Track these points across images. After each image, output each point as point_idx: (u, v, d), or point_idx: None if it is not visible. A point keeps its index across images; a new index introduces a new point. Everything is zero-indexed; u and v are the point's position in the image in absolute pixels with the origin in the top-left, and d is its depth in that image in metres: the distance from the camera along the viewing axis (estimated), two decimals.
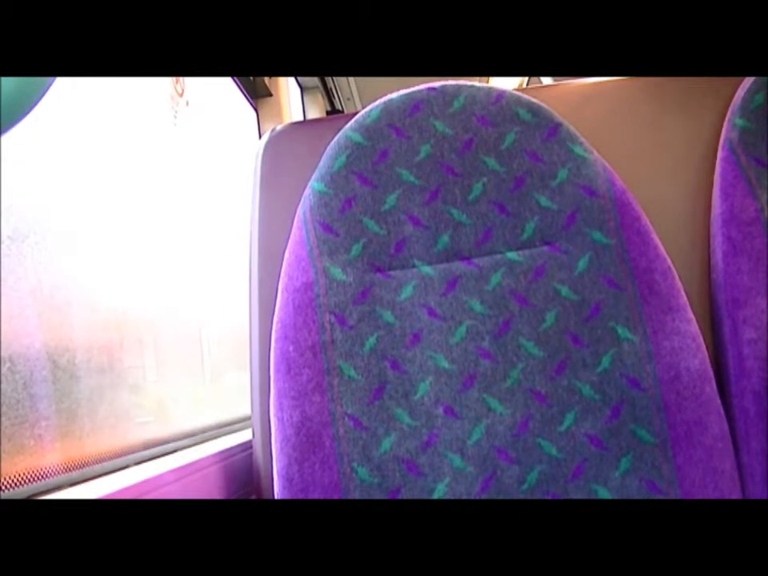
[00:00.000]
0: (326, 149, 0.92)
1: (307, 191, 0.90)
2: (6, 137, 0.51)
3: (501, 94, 0.91)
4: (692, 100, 0.98)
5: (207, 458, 0.92)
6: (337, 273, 0.86)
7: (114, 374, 0.91)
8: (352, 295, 0.85)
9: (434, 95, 0.91)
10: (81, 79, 0.90)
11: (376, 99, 0.94)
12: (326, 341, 0.84)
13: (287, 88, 1.93)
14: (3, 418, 0.68)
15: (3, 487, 0.67)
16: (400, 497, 0.80)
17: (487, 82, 0.97)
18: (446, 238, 0.87)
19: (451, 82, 0.93)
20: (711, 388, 0.82)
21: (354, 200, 0.88)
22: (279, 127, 1.07)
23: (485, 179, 0.88)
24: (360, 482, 0.81)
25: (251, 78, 1.77)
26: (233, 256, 1.42)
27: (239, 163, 1.62)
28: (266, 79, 1.81)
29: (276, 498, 0.83)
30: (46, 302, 0.81)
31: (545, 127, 0.89)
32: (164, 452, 0.99)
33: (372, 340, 0.84)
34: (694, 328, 0.83)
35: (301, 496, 0.81)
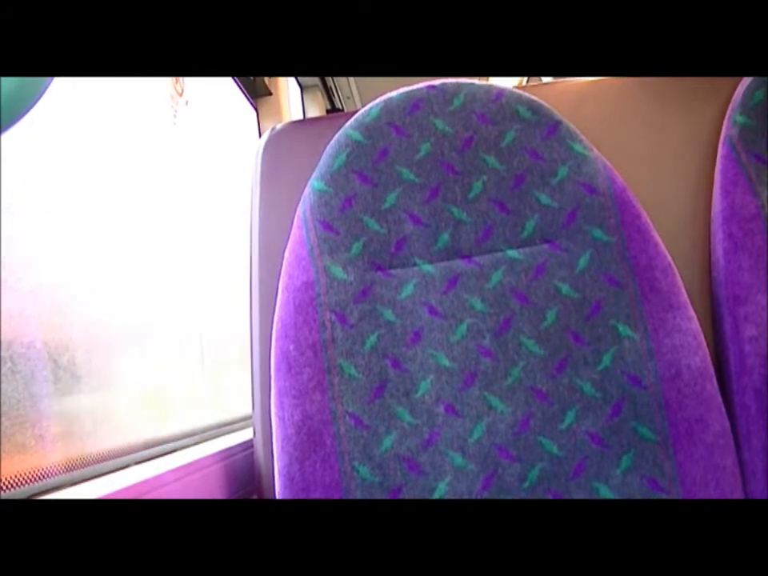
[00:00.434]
0: (325, 147, 0.92)
1: (307, 190, 0.90)
2: (5, 136, 0.51)
3: (501, 92, 0.91)
4: (692, 97, 0.98)
5: (208, 457, 0.92)
6: (337, 271, 0.86)
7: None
8: (353, 294, 0.85)
9: (433, 93, 0.91)
10: (80, 79, 0.90)
11: (376, 98, 0.93)
12: (326, 339, 0.84)
13: (287, 87, 1.92)
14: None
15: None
16: (401, 495, 0.80)
17: (487, 81, 0.96)
18: (446, 237, 0.87)
19: (451, 80, 0.92)
20: (712, 385, 0.82)
21: (355, 198, 0.88)
22: (279, 126, 1.07)
23: (485, 177, 0.88)
24: (361, 481, 0.81)
25: (251, 77, 1.77)
26: (232, 255, 1.42)
27: (239, 162, 1.62)
28: (266, 78, 1.81)
29: (277, 497, 0.83)
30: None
31: (545, 125, 0.89)
32: None
33: (373, 338, 0.84)
34: (695, 325, 0.83)
35: (302, 495, 0.81)
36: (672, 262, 0.85)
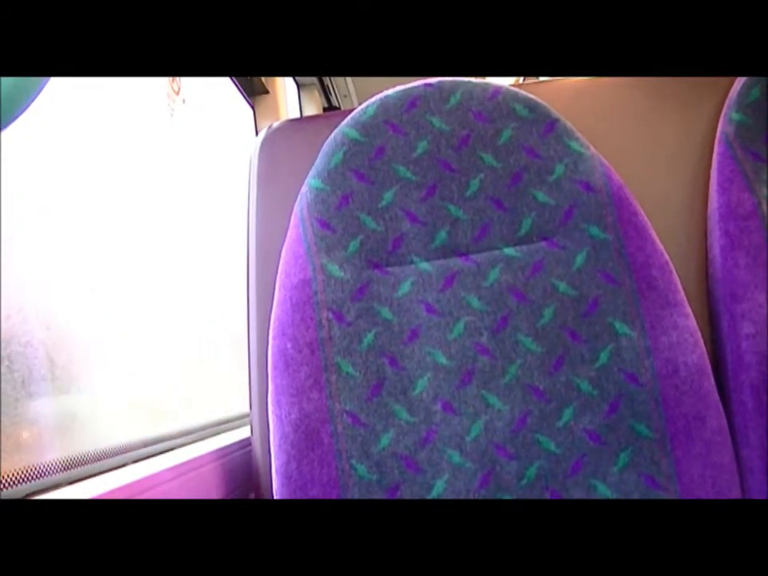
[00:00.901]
0: (322, 145, 0.92)
1: (304, 188, 0.90)
2: (4, 135, 0.51)
3: (497, 90, 0.91)
4: (689, 95, 0.98)
5: (205, 455, 0.92)
6: (334, 269, 0.86)
7: None
8: (350, 292, 0.85)
9: (430, 91, 0.91)
10: (77, 78, 0.90)
11: (373, 96, 0.93)
12: (323, 338, 0.84)
13: (284, 85, 1.92)
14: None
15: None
16: (399, 493, 0.80)
17: (484, 80, 0.96)
18: (443, 234, 0.87)
19: (448, 78, 0.92)
20: (709, 383, 0.82)
21: (351, 196, 0.88)
22: (276, 124, 1.07)
23: (482, 175, 0.88)
24: (359, 479, 0.81)
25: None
26: (228, 253, 1.42)
27: (236, 161, 1.62)
28: (263, 77, 1.81)
29: (275, 495, 0.83)
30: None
31: (542, 123, 0.89)
32: None
33: (370, 336, 0.84)
34: (692, 323, 0.83)
35: (299, 493, 0.81)
36: (669, 260, 0.85)
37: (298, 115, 2.25)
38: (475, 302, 0.85)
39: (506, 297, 0.85)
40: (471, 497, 0.80)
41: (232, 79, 1.70)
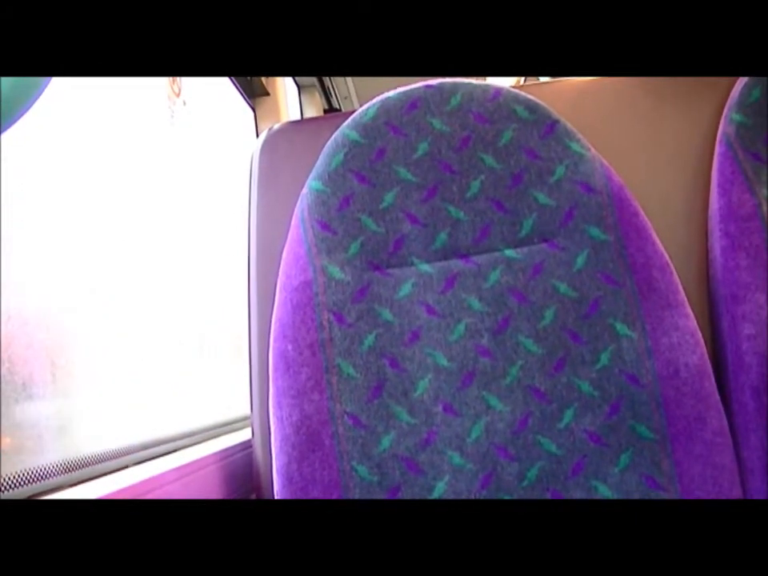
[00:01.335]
0: (323, 147, 0.92)
1: (305, 190, 0.90)
2: (3, 135, 0.51)
3: (498, 92, 0.91)
4: (689, 96, 0.98)
5: (207, 457, 0.92)
6: (335, 271, 0.86)
7: None
8: (350, 293, 0.85)
9: (431, 93, 0.91)
10: (77, 79, 0.90)
11: (373, 97, 0.93)
12: (324, 339, 0.84)
13: (284, 87, 1.92)
14: None
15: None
16: (400, 495, 0.80)
17: (484, 80, 0.97)
18: (444, 236, 0.87)
19: (448, 79, 0.93)
20: (710, 383, 0.82)
21: (352, 198, 0.88)
22: (276, 126, 1.07)
23: (482, 176, 0.88)
24: (360, 481, 0.81)
25: (248, 77, 1.77)
26: (227, 255, 1.42)
27: (237, 163, 1.62)
28: (264, 78, 1.81)
29: (276, 496, 0.83)
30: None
31: (542, 124, 0.89)
32: None
33: (371, 338, 0.84)
34: (693, 324, 0.83)
35: (300, 495, 0.81)
36: (669, 261, 0.85)
37: (298, 117, 2.25)
38: (476, 304, 0.85)
39: (507, 298, 0.85)
40: (472, 498, 0.80)
41: (233, 81, 1.70)
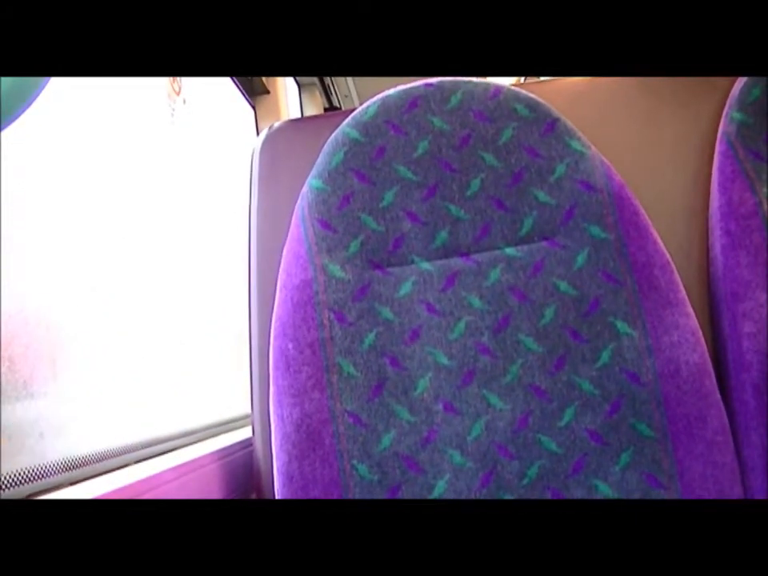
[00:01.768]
0: (323, 146, 0.92)
1: (305, 188, 0.90)
2: (3, 134, 0.51)
3: (498, 90, 0.91)
4: (690, 94, 0.98)
5: (207, 455, 0.92)
6: (335, 270, 0.86)
7: None
8: (351, 292, 0.85)
9: (431, 91, 0.91)
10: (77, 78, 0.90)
11: (374, 96, 0.93)
12: (325, 338, 0.84)
13: (285, 86, 1.92)
14: None
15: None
16: (400, 494, 0.80)
17: (484, 79, 0.96)
18: (444, 234, 0.87)
19: (449, 78, 0.92)
20: (711, 382, 0.82)
21: (352, 197, 0.88)
22: (277, 124, 1.07)
23: (483, 175, 0.88)
24: (360, 479, 0.81)
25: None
26: (227, 254, 1.42)
27: (237, 161, 1.62)
28: (264, 77, 1.81)
29: (276, 495, 0.83)
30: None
31: (542, 122, 0.89)
32: None
33: (371, 337, 0.84)
34: (693, 322, 0.83)
35: (301, 493, 0.81)
36: (670, 259, 0.85)
37: (298, 115, 2.25)
38: (476, 302, 0.85)
39: (507, 297, 0.84)
40: (472, 497, 0.80)
41: (233, 79, 1.70)
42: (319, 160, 0.90)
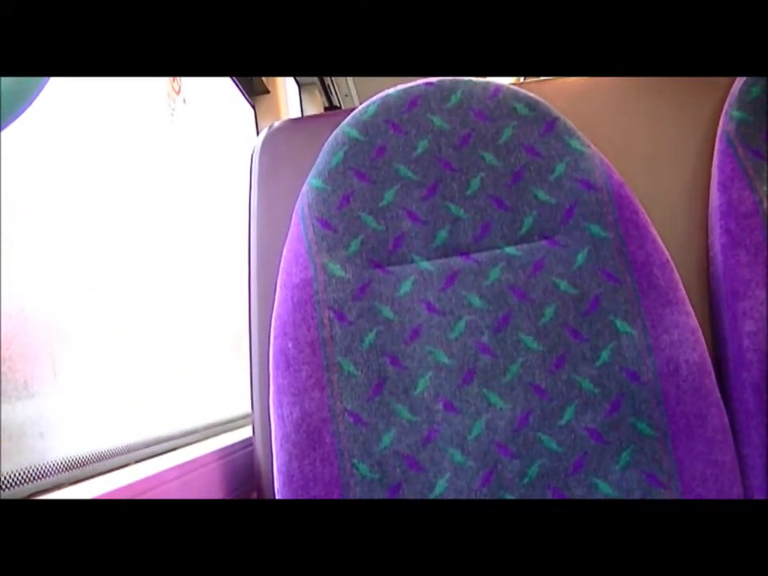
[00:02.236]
0: (323, 145, 0.92)
1: (305, 187, 0.90)
2: (2, 134, 0.51)
3: (498, 89, 0.91)
4: (689, 93, 0.98)
5: (208, 455, 0.92)
6: (336, 269, 0.86)
7: None
8: (351, 291, 0.85)
9: (431, 90, 0.91)
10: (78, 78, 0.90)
11: (373, 95, 0.93)
12: (325, 337, 0.84)
13: (285, 85, 1.92)
14: None
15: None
16: (401, 493, 0.80)
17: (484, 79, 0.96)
18: (444, 233, 0.87)
19: (448, 77, 0.92)
20: (711, 381, 0.82)
21: (352, 196, 0.88)
22: (277, 124, 1.07)
23: (482, 174, 0.88)
24: (361, 478, 0.81)
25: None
26: (227, 253, 1.42)
27: (237, 161, 1.62)
28: (264, 77, 1.81)
29: (276, 494, 0.83)
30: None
31: (542, 121, 0.89)
32: None
33: (371, 336, 0.84)
34: (693, 321, 0.83)
35: (301, 493, 0.81)
36: (670, 258, 0.85)
37: (298, 115, 2.25)
38: (476, 301, 0.85)
39: (507, 295, 0.85)
40: (473, 496, 0.80)
41: (233, 79, 1.70)
42: (319, 159, 0.90)
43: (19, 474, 0.71)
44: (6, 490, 0.67)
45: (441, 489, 0.80)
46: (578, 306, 0.83)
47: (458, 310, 0.85)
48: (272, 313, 0.88)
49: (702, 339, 0.83)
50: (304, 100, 2.31)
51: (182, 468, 0.84)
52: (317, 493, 0.81)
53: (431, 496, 0.80)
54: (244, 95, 1.79)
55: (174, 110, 1.29)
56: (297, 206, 0.90)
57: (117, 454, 0.90)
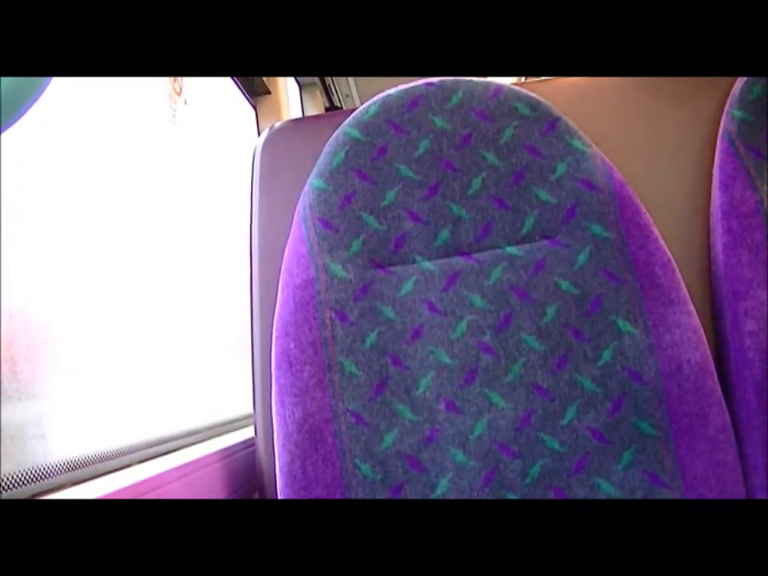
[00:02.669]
0: (324, 145, 0.92)
1: (306, 188, 0.90)
2: (4, 135, 0.51)
3: (499, 89, 0.91)
4: (690, 93, 0.98)
5: (210, 455, 0.92)
6: (337, 269, 0.86)
7: None
8: (352, 291, 0.85)
9: (432, 90, 0.91)
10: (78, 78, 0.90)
11: (374, 95, 0.93)
12: (326, 337, 0.84)
13: (286, 86, 1.92)
14: None
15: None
16: (403, 493, 0.80)
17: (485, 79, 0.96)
18: (445, 233, 0.87)
19: (449, 77, 0.92)
20: (712, 380, 0.82)
21: (354, 196, 0.88)
22: (278, 124, 1.07)
23: (484, 174, 0.88)
24: (362, 479, 0.81)
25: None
26: (229, 253, 1.42)
27: (239, 161, 1.62)
28: (265, 77, 1.81)
29: (278, 494, 0.83)
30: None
31: (543, 121, 0.89)
32: None
33: (373, 336, 0.84)
34: (695, 320, 0.83)
35: (303, 493, 0.81)
36: (671, 258, 0.85)
37: (299, 115, 2.25)
38: (478, 301, 0.85)
39: (509, 295, 0.84)
40: (475, 495, 0.80)
41: (234, 80, 1.70)
42: (320, 160, 0.90)
43: (20, 475, 0.71)
44: (7, 491, 0.67)
45: (443, 489, 0.80)
46: (580, 305, 0.83)
47: (460, 310, 0.85)
48: (274, 313, 0.88)
49: (704, 339, 0.83)
50: (305, 100, 2.31)
51: (184, 468, 0.84)
52: (319, 493, 0.81)
53: (433, 496, 0.80)
54: (245, 96, 1.79)
55: (175, 111, 1.29)
56: (298, 207, 0.90)
57: (118, 455, 0.91)
